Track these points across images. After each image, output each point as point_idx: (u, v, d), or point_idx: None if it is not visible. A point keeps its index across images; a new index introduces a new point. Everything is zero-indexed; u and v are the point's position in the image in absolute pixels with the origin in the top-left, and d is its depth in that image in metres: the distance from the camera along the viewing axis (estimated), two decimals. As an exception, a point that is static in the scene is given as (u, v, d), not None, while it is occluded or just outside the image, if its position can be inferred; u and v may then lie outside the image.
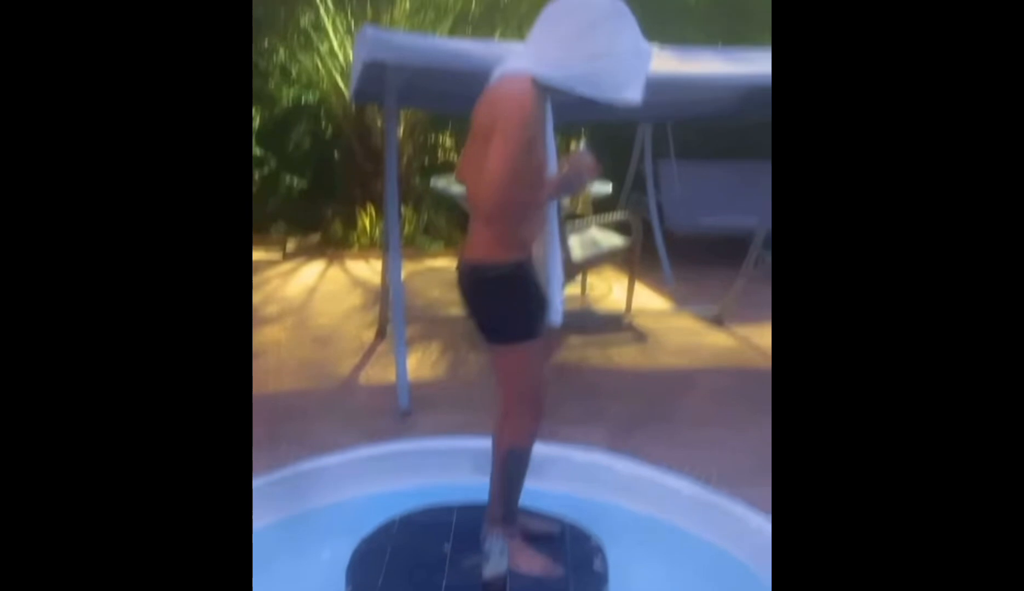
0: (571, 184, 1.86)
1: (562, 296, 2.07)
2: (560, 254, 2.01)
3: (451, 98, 3.23)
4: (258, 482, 2.38)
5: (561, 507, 2.43)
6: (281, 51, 5.82)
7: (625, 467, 2.74)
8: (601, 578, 2.14)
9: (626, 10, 1.79)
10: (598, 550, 2.26)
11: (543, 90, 1.81)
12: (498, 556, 2.06)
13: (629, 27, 1.78)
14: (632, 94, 1.79)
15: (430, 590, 2.07)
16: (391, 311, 3.72)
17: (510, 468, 2.07)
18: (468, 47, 3.48)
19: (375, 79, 3.32)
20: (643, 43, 1.81)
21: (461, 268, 1.98)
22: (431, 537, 2.30)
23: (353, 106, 6.05)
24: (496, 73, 1.88)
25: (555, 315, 2.04)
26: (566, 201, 4.39)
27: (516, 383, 2.00)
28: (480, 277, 1.92)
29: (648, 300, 5.17)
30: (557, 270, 2.00)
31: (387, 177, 3.61)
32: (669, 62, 3.66)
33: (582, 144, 1.96)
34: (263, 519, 2.18)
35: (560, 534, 2.30)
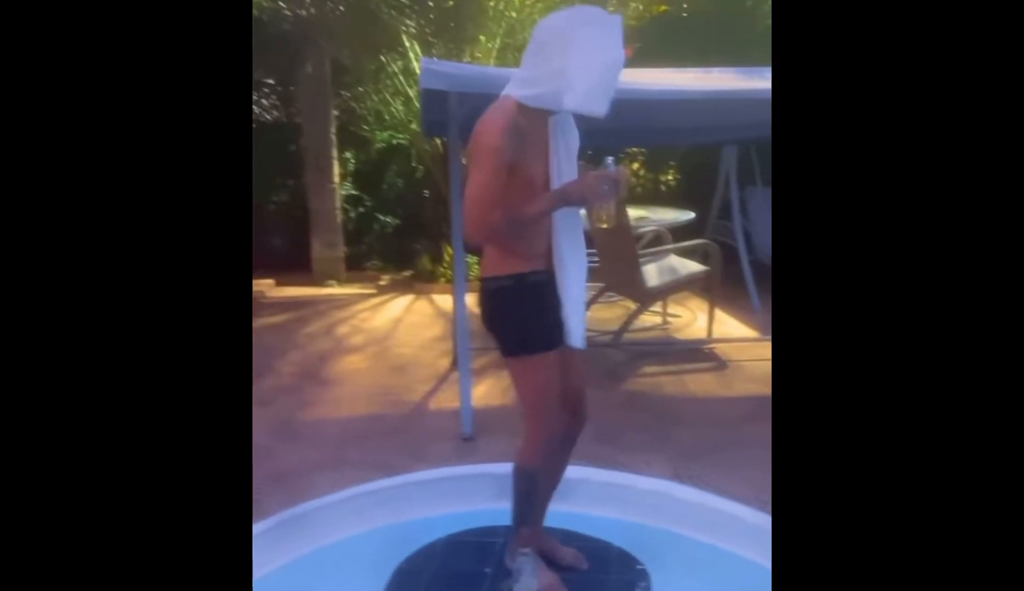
0: (576, 197, 1.84)
1: (582, 316, 2.00)
2: (576, 270, 1.97)
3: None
4: (312, 505, 2.50)
5: (609, 533, 2.39)
6: (374, 96, 6.10)
7: (682, 493, 2.64)
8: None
9: (595, 20, 1.73)
10: (643, 575, 2.19)
11: (534, 110, 1.82)
12: (528, 576, 2.02)
13: (593, 38, 1.72)
14: (597, 107, 1.74)
15: (464, 610, 2.06)
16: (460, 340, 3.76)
17: (516, 485, 2.04)
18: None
19: (438, 109, 3.42)
20: (614, 53, 1.74)
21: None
22: (474, 558, 2.30)
23: (430, 141, 6.21)
24: None
25: (574, 337, 1.97)
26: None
27: (525, 397, 1.99)
28: (485, 289, 1.97)
29: (733, 328, 5.01)
30: (573, 287, 1.96)
31: (452, 207, 3.68)
32: (735, 81, 3.59)
33: (610, 160, 1.92)
34: (303, 547, 2.34)
35: (589, 567, 2.22)
